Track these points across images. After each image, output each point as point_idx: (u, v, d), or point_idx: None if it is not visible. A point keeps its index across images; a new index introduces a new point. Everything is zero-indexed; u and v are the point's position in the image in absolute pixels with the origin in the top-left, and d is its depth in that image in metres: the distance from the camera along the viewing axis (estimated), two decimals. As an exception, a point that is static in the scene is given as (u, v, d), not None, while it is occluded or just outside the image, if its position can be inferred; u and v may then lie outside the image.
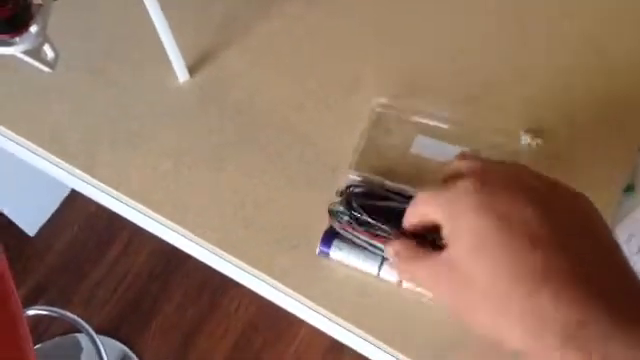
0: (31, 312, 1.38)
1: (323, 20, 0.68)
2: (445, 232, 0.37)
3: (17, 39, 0.47)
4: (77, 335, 1.47)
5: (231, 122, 0.63)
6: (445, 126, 0.60)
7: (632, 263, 0.50)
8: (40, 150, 0.64)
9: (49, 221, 1.63)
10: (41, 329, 1.47)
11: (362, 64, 0.65)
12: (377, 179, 0.57)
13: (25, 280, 1.54)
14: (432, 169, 0.58)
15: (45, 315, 1.42)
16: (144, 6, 0.58)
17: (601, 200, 0.53)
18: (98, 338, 1.32)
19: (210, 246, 0.58)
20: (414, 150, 0.60)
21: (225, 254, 0.57)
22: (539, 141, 0.58)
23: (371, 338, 0.52)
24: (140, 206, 0.60)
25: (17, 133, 0.65)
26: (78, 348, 1.47)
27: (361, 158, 0.59)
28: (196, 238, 0.58)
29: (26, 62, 0.49)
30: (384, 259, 0.52)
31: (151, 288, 1.52)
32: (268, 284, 0.56)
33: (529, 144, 0.58)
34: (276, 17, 0.69)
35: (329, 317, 0.54)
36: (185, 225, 0.59)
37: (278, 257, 0.56)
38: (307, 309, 0.55)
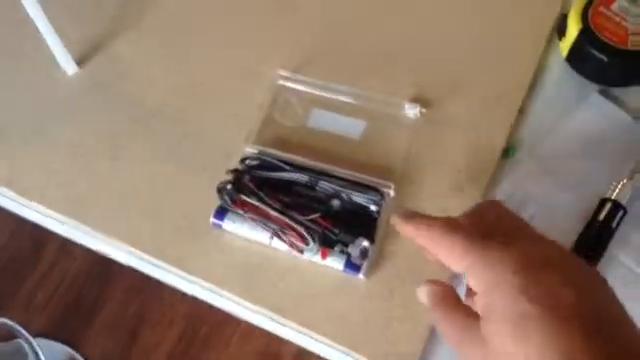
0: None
1: (212, 3, 0.69)
2: (479, 300, 0.36)
3: None
4: (20, 340, 1.44)
5: (123, 113, 0.63)
6: (339, 97, 0.61)
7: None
8: None
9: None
10: (-18, 336, 1.44)
11: (258, 43, 0.66)
12: (272, 152, 0.58)
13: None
14: (327, 141, 0.60)
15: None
16: None
17: (482, 165, 0.56)
18: (39, 342, 1.31)
19: (112, 240, 0.58)
20: (310, 123, 0.61)
21: (129, 247, 0.57)
22: (423, 110, 0.60)
23: (268, 312, 0.53)
24: (38, 206, 0.60)
25: None
26: (22, 353, 1.44)
27: (259, 133, 0.60)
28: (97, 233, 0.58)
29: None
30: (274, 231, 0.53)
31: (91, 287, 1.51)
32: (173, 273, 0.57)
33: (414, 113, 0.60)
34: (167, 4, 0.69)
35: (232, 298, 0.55)
36: (85, 220, 0.59)
37: (178, 243, 0.56)
38: (214, 295, 0.56)
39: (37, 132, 0.63)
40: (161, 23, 0.68)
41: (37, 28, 0.60)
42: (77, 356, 1.44)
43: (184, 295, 1.37)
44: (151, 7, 0.69)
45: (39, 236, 1.55)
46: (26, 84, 0.65)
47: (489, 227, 0.41)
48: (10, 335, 1.44)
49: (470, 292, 0.39)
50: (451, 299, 0.40)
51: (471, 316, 0.37)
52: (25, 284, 1.53)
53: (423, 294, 0.41)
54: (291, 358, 1.39)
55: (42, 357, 1.26)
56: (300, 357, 1.37)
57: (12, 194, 0.61)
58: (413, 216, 0.43)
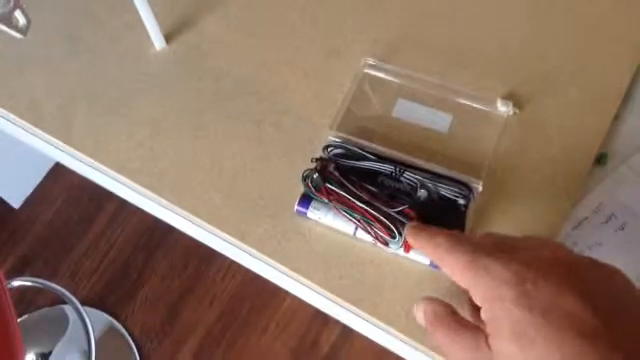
0: (16, 283, 1.38)
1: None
2: (483, 315, 0.37)
3: (-13, 5, 0.46)
4: (64, 307, 1.47)
5: (208, 89, 0.63)
6: (426, 90, 0.60)
7: (599, 232, 0.51)
8: (16, 119, 0.63)
9: (34, 193, 1.62)
10: (27, 300, 1.47)
11: (348, 28, 0.65)
12: (356, 140, 0.57)
13: (10, 252, 1.54)
14: (413, 132, 0.59)
15: (30, 287, 1.42)
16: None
17: (574, 171, 0.54)
18: (84, 309, 1.33)
19: (187, 214, 0.58)
20: (395, 113, 0.60)
21: (203, 222, 0.57)
22: (516, 110, 0.58)
23: (345, 303, 0.53)
24: (118, 175, 0.60)
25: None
26: (65, 319, 1.47)
27: (343, 120, 0.59)
28: (172, 206, 0.58)
29: (-1, 30, 0.49)
30: (359, 222, 0.53)
31: (137, 260, 1.52)
32: (245, 252, 0.57)
33: (506, 111, 0.58)
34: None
35: (307, 285, 0.55)
36: (162, 193, 0.59)
37: (255, 225, 0.56)
38: (285, 277, 0.56)
39: (123, 104, 0.63)
40: (249, 1, 0.68)
41: (132, 2, 0.60)
42: (118, 326, 1.47)
43: (226, 275, 1.38)
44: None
45: (92, 206, 1.58)
46: (116, 56, 0.66)
47: (505, 245, 0.40)
48: (54, 301, 1.47)
49: (475, 307, 0.39)
50: (453, 318, 0.40)
51: (478, 333, 0.37)
52: (74, 251, 1.55)
53: (420, 315, 0.41)
54: (329, 347, 1.39)
55: (89, 324, 1.29)
56: (338, 346, 1.37)
57: (94, 162, 0.61)
58: (421, 232, 0.44)
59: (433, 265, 0.52)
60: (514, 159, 0.57)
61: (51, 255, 1.55)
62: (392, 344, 0.53)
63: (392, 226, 0.51)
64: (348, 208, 0.53)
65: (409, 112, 0.60)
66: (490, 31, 0.64)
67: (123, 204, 1.56)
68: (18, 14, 0.50)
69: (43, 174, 1.62)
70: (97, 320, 1.47)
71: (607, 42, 0.62)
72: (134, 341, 1.44)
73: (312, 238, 0.55)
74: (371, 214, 0.52)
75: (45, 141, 0.64)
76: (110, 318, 1.48)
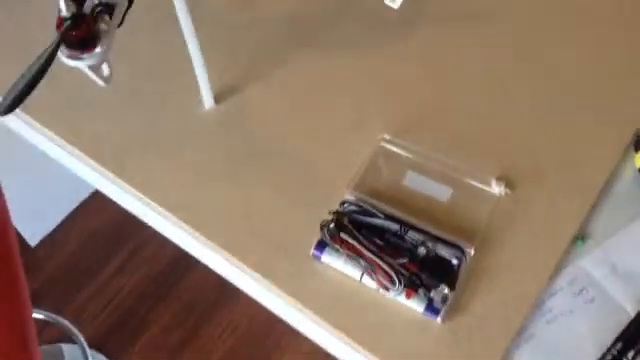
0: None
1: (337, 67, 0.80)
2: None
3: (85, 55, 0.57)
4: (62, 345, 1.52)
5: (246, 147, 0.73)
6: (432, 165, 0.70)
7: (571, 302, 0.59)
8: (77, 152, 0.74)
9: (51, 234, 1.70)
10: (30, 335, 1.52)
11: (369, 107, 0.76)
12: (369, 200, 0.67)
13: (21, 287, 1.60)
14: (418, 199, 0.68)
15: (39, 319, 1.48)
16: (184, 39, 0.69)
17: (553, 248, 0.63)
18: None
19: (217, 248, 0.67)
20: (405, 182, 0.70)
21: (229, 256, 0.66)
22: (507, 190, 0.68)
23: (347, 339, 0.61)
24: (160, 208, 0.70)
25: (60, 136, 0.75)
26: (61, 358, 1.51)
27: (358, 183, 0.69)
28: (210, 242, 0.67)
29: (83, 75, 0.59)
30: (366, 269, 0.61)
31: (140, 308, 1.58)
32: (264, 286, 0.65)
33: (498, 191, 0.68)
34: (294, 62, 0.80)
35: (314, 320, 0.63)
36: (198, 228, 0.68)
37: (275, 263, 0.65)
38: (293, 309, 0.64)
39: (172, 152, 0.73)
40: (288, 76, 0.79)
41: (192, 64, 0.72)
42: (116, 370, 1.51)
43: (226, 329, 1.44)
44: (281, 63, 0.80)
45: (104, 253, 1.65)
46: (170, 110, 0.77)
47: None
48: (52, 339, 1.52)
49: None
50: None
51: None
52: (81, 294, 1.62)
53: None
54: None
55: (91, 360, 1.34)
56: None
57: (139, 195, 0.70)
58: None
59: (427, 312, 0.60)
60: (503, 233, 0.66)
61: (59, 295, 1.61)
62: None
63: (394, 275, 0.60)
64: (357, 256, 0.62)
65: (416, 182, 0.70)
66: (492, 119, 0.75)
67: (133, 253, 1.65)
68: (105, 66, 0.61)
69: (62, 217, 1.71)
70: (97, 362, 1.51)
71: (592, 139, 0.72)
72: (129, 387, 1.49)
73: (324, 279, 0.63)
74: (376, 263, 0.61)
75: (100, 174, 0.73)
76: (108, 361, 1.52)
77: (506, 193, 0.68)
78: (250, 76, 0.79)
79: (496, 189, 0.68)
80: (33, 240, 1.67)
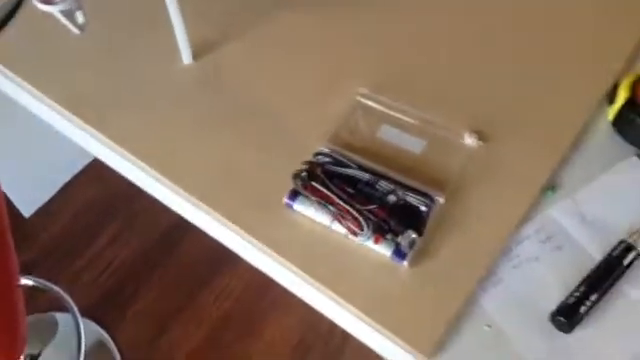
0: (22, 281, 1.45)
1: (318, 25, 0.81)
2: None
3: (58, 1, 0.58)
4: (56, 314, 1.54)
5: (224, 102, 0.74)
6: (407, 119, 0.71)
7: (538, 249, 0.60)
8: (57, 106, 0.75)
9: (44, 205, 1.72)
10: (21, 303, 1.54)
11: (347, 63, 0.77)
12: (342, 151, 0.68)
13: (14, 258, 1.62)
14: (391, 151, 0.70)
15: (31, 287, 1.49)
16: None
17: (521, 197, 0.64)
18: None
19: (194, 199, 0.68)
20: (379, 135, 0.71)
21: (205, 207, 0.67)
22: (480, 142, 0.69)
23: (317, 283, 0.62)
24: (140, 162, 0.71)
25: (39, 90, 0.76)
26: (54, 327, 1.52)
27: (333, 136, 0.70)
28: (184, 192, 0.68)
29: (61, 26, 0.61)
30: (335, 216, 0.63)
31: (132, 278, 1.61)
32: (237, 234, 0.67)
33: (471, 142, 0.69)
34: (275, 20, 0.81)
35: (287, 266, 0.64)
36: (176, 181, 0.69)
37: (250, 212, 0.66)
38: (264, 255, 0.65)
39: (151, 105, 0.75)
40: (266, 34, 0.80)
41: (170, 20, 0.73)
42: (107, 338, 1.53)
43: (220, 295, 1.46)
44: (259, 21, 0.81)
45: (98, 224, 1.67)
46: (149, 64, 0.78)
47: None
48: (46, 308, 1.54)
49: None
50: None
51: None
52: (74, 264, 1.64)
53: None
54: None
55: (82, 332, 1.35)
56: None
57: (120, 149, 0.72)
58: None
59: (394, 256, 0.61)
60: (474, 183, 0.67)
61: (52, 265, 1.63)
62: (354, 324, 0.62)
63: (362, 220, 0.61)
64: (327, 203, 0.63)
65: (390, 135, 0.71)
66: (468, 76, 0.76)
67: (126, 225, 1.67)
68: (79, 14, 0.62)
69: (57, 189, 1.72)
70: (88, 330, 1.53)
71: (566, 91, 0.73)
72: (121, 354, 1.51)
73: (296, 227, 0.65)
74: (345, 209, 0.62)
75: (78, 127, 0.75)
76: (101, 330, 1.54)
77: (479, 145, 0.69)
78: (228, 34, 0.80)
79: (469, 141, 0.69)
80: (27, 211, 1.69)
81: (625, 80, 0.70)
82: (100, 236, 1.67)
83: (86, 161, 1.72)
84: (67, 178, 1.72)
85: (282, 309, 1.49)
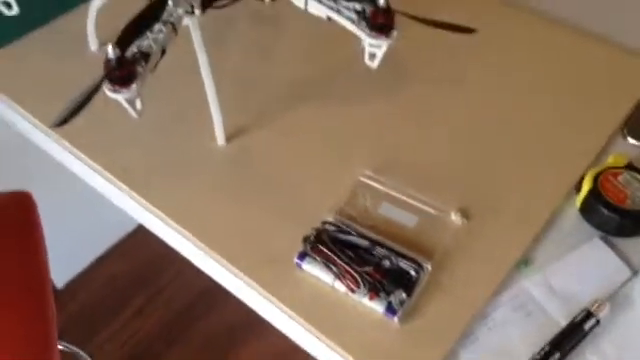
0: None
1: (328, 117, 0.96)
2: None
3: (124, 90, 0.73)
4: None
5: (249, 177, 0.88)
6: (404, 198, 0.84)
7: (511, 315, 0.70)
8: (109, 176, 0.89)
9: (76, 277, 1.84)
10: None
11: (354, 149, 0.91)
12: (346, 221, 0.80)
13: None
14: (389, 224, 0.81)
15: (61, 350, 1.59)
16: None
17: (498, 271, 0.75)
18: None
19: (215, 255, 0.80)
20: (381, 212, 0.83)
21: (225, 262, 0.79)
22: (464, 220, 0.81)
23: (318, 333, 0.73)
24: (175, 224, 0.84)
25: (95, 161, 0.91)
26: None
27: (339, 209, 0.83)
28: (213, 253, 0.81)
29: (122, 109, 0.75)
30: (337, 275, 0.74)
31: (153, 352, 1.69)
32: (254, 289, 0.78)
33: (457, 221, 0.81)
34: (294, 111, 0.96)
35: (293, 317, 0.75)
36: (201, 238, 0.82)
37: (264, 268, 0.78)
38: (274, 307, 0.76)
39: (188, 178, 0.89)
40: (287, 122, 0.95)
41: (208, 104, 0.88)
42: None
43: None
44: (283, 112, 0.96)
45: (124, 297, 1.78)
46: (189, 145, 0.93)
47: None
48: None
49: None
50: None
51: None
52: (99, 335, 1.73)
53: None
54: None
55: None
56: None
57: (159, 213, 0.85)
58: None
59: (386, 312, 0.72)
60: (458, 254, 0.78)
61: (78, 335, 1.73)
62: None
63: (359, 279, 0.73)
64: (331, 264, 0.75)
65: (389, 211, 0.83)
66: (455, 161, 0.89)
67: (151, 298, 1.77)
68: (137, 101, 0.77)
69: (89, 262, 1.85)
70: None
71: (540, 180, 0.86)
72: None
73: (303, 284, 0.76)
74: (345, 269, 0.74)
75: (127, 195, 0.89)
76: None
77: (463, 222, 0.81)
78: (256, 120, 0.95)
79: (455, 218, 0.81)
80: (60, 282, 1.81)
81: (589, 174, 0.82)
82: (125, 309, 1.77)
83: (115, 238, 1.86)
84: (100, 251, 1.85)
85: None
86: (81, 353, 1.54)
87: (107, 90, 0.72)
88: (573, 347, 0.70)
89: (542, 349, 0.70)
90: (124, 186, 0.88)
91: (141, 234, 1.83)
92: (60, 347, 1.56)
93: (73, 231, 1.68)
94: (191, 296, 1.76)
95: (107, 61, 0.72)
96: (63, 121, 0.65)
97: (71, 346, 1.56)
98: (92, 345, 1.70)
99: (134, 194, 0.87)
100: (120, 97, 0.74)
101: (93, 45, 1.07)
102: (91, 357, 1.67)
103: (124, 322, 1.75)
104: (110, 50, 0.71)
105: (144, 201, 0.86)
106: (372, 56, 0.80)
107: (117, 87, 0.72)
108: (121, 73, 0.72)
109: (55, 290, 1.78)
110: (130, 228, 1.86)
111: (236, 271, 0.79)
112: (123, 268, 1.84)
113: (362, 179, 0.86)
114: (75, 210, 1.65)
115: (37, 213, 1.17)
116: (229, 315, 1.70)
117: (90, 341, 1.71)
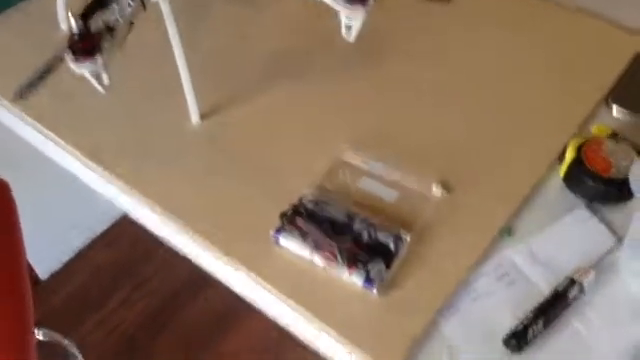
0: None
1: (308, 93, 0.93)
2: None
3: (87, 61, 0.70)
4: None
5: (226, 155, 0.86)
6: (383, 173, 0.82)
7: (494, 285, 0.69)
8: (80, 156, 0.87)
9: (60, 268, 1.81)
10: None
11: (334, 125, 0.89)
12: (325, 196, 0.78)
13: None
14: (368, 199, 0.79)
15: (42, 341, 1.56)
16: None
17: (479, 240, 0.74)
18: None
19: (194, 233, 0.78)
20: (360, 186, 0.81)
21: (203, 240, 0.77)
22: (445, 193, 0.79)
23: (297, 306, 0.71)
24: (148, 200, 0.81)
25: (66, 141, 0.88)
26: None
27: (318, 185, 0.81)
28: (188, 230, 0.78)
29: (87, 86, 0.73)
30: (314, 249, 0.72)
31: (138, 341, 1.67)
32: (229, 265, 0.76)
33: (437, 192, 0.79)
34: (272, 87, 0.94)
35: (271, 291, 0.73)
36: (180, 216, 0.79)
37: (241, 244, 0.76)
38: (252, 282, 0.74)
39: (162, 157, 0.87)
40: (264, 99, 0.93)
41: (181, 84, 0.85)
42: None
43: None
44: (259, 89, 0.94)
45: (109, 287, 1.75)
46: (162, 123, 0.91)
47: None
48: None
49: None
50: None
51: None
52: (84, 325, 1.71)
53: None
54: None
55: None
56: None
57: (132, 191, 0.82)
58: None
59: (365, 284, 0.70)
60: (439, 226, 0.76)
61: (62, 326, 1.70)
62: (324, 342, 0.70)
63: (337, 252, 0.71)
64: (307, 237, 0.73)
65: (369, 185, 0.81)
66: (435, 135, 0.87)
67: (135, 289, 1.75)
68: (104, 76, 0.75)
69: (72, 253, 1.82)
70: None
71: (524, 148, 0.84)
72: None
73: (281, 259, 0.74)
74: (322, 243, 0.72)
75: (94, 172, 0.86)
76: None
77: (444, 195, 0.79)
78: (233, 98, 0.93)
79: (436, 191, 0.79)
80: (44, 274, 1.78)
81: (571, 143, 0.80)
82: (109, 300, 1.74)
83: (100, 229, 1.83)
84: (82, 243, 1.82)
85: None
86: (66, 342, 1.51)
87: (70, 62, 0.69)
88: (557, 314, 0.69)
89: (526, 317, 0.68)
90: (94, 165, 0.86)
91: (126, 224, 1.80)
92: (45, 338, 1.54)
93: (57, 222, 1.66)
94: (176, 285, 1.74)
95: (70, 34, 0.69)
96: (24, 91, 0.62)
97: (56, 335, 1.54)
98: (78, 335, 1.67)
99: (106, 173, 0.85)
100: (84, 70, 0.71)
101: (64, 24, 1.04)
102: (77, 347, 1.65)
103: (109, 312, 1.73)
104: (72, 21, 0.69)
105: (117, 180, 0.84)
106: (349, 29, 0.77)
107: (80, 58, 0.70)
108: (84, 45, 0.70)
109: (39, 282, 1.76)
110: (114, 218, 1.83)
111: (214, 249, 0.76)
112: (108, 258, 1.82)
113: (341, 155, 0.84)
114: (58, 201, 1.62)
115: (12, 199, 1.14)
116: (214, 304, 1.68)
117: (76, 331, 1.68)
